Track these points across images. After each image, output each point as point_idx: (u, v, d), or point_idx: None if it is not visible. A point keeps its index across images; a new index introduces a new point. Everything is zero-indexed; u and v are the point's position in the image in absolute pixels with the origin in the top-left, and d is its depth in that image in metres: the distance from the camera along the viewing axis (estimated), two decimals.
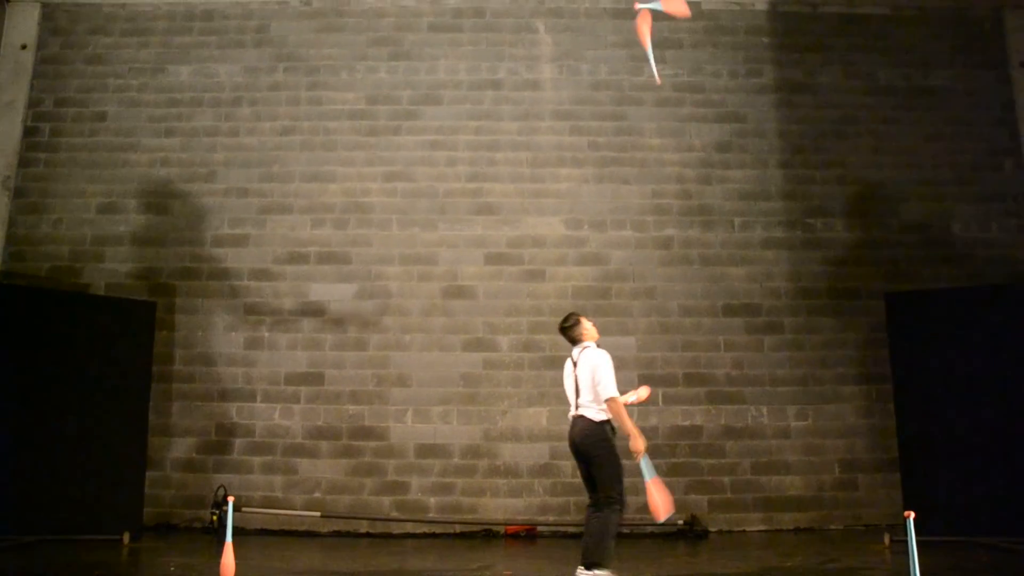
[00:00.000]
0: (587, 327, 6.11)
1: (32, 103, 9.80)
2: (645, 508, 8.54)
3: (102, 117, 9.76)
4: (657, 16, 9.89)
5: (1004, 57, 9.87)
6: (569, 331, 6.14)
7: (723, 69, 9.88)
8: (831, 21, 10.03)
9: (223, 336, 9.19)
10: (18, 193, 9.56)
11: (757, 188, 9.57)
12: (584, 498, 7.98)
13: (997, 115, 9.74)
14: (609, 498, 5.80)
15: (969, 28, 10.00)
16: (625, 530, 8.41)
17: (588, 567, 5.71)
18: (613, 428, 5.88)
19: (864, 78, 9.86)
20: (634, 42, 9.90)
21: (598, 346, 6.07)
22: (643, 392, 6.32)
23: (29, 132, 9.72)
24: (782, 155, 9.67)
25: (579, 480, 6.54)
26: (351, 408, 8.99)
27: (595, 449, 5.85)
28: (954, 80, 9.85)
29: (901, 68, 9.88)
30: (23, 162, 9.64)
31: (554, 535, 8.52)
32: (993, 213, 9.49)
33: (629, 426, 5.77)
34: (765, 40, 9.99)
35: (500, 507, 8.73)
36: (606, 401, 5.79)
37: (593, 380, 5.83)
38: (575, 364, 6.00)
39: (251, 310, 9.25)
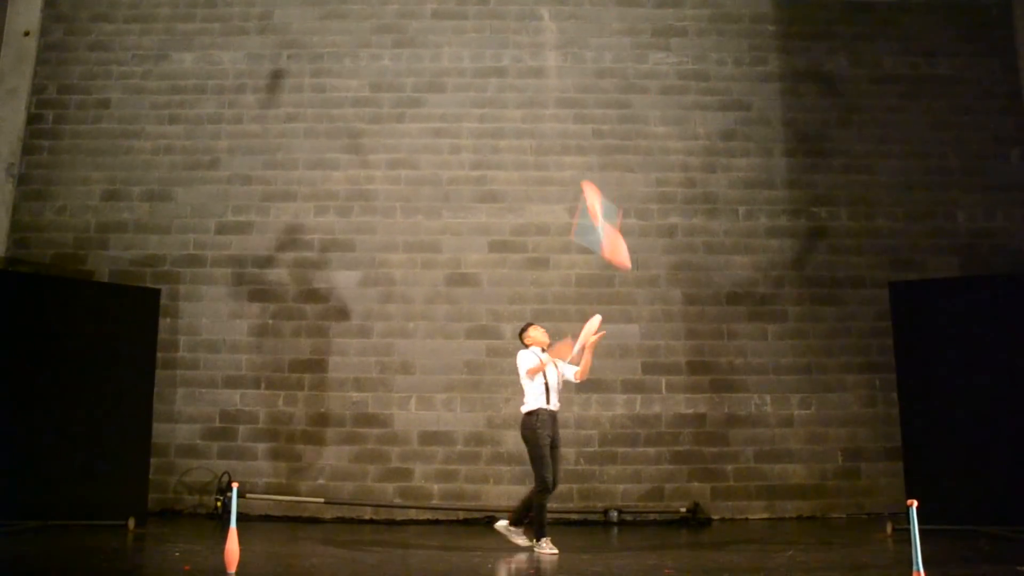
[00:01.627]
0: (529, 334, 6.97)
1: (35, 90, 9.80)
2: (648, 495, 8.66)
3: (106, 104, 9.76)
4: (662, 2, 9.95)
5: (1011, 45, 9.80)
6: (518, 337, 7.11)
7: (728, 57, 9.84)
8: (836, 9, 9.97)
9: (227, 323, 9.20)
10: (22, 180, 9.56)
11: (762, 176, 9.54)
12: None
13: (1004, 104, 9.68)
14: (536, 479, 6.65)
15: (976, 16, 9.93)
16: (628, 517, 8.46)
17: (511, 523, 6.82)
18: (540, 419, 6.61)
19: (870, 66, 9.81)
20: (638, 30, 9.91)
21: (544, 350, 6.85)
22: (591, 324, 6.69)
23: (33, 119, 9.72)
24: (787, 143, 9.63)
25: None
26: (355, 395, 9.01)
27: (523, 437, 6.76)
28: (960, 68, 9.79)
29: (907, 56, 9.83)
30: (27, 149, 9.64)
31: (556, 522, 8.52)
32: (999, 203, 9.44)
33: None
34: (770, 28, 9.94)
35: (503, 494, 8.73)
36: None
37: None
38: None
39: (255, 297, 9.27)
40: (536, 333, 6.94)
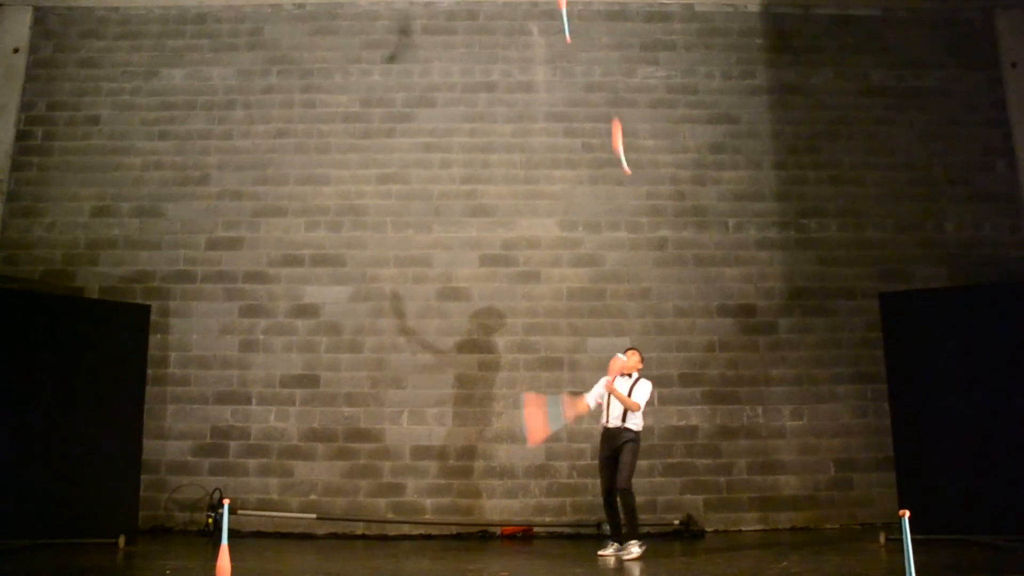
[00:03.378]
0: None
1: (25, 107, 9.78)
2: (640, 508, 8.63)
3: (95, 120, 9.75)
4: (651, 17, 10.02)
5: (996, 57, 9.91)
6: None
7: (716, 70, 9.91)
8: (823, 22, 10.06)
9: (218, 339, 9.17)
10: (11, 197, 9.53)
11: (751, 189, 9.59)
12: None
13: (989, 115, 9.78)
14: None
15: (960, 29, 10.04)
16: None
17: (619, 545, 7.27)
18: (601, 435, 7.37)
19: (857, 79, 9.89)
20: (627, 44, 9.98)
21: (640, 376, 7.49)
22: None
23: (22, 136, 9.70)
24: (776, 156, 9.69)
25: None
26: (346, 410, 8.99)
27: None
28: (946, 81, 9.89)
29: (893, 69, 9.92)
30: (16, 166, 9.62)
31: (550, 536, 8.52)
32: (986, 213, 9.52)
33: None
34: (758, 41, 10.02)
35: (496, 508, 8.73)
36: None
37: None
38: None
39: (246, 313, 9.24)
40: (616, 362, 7.43)
